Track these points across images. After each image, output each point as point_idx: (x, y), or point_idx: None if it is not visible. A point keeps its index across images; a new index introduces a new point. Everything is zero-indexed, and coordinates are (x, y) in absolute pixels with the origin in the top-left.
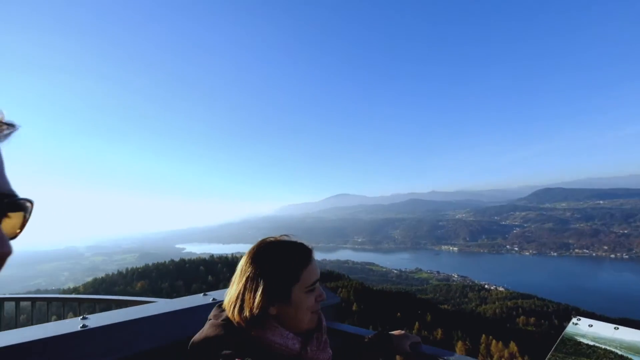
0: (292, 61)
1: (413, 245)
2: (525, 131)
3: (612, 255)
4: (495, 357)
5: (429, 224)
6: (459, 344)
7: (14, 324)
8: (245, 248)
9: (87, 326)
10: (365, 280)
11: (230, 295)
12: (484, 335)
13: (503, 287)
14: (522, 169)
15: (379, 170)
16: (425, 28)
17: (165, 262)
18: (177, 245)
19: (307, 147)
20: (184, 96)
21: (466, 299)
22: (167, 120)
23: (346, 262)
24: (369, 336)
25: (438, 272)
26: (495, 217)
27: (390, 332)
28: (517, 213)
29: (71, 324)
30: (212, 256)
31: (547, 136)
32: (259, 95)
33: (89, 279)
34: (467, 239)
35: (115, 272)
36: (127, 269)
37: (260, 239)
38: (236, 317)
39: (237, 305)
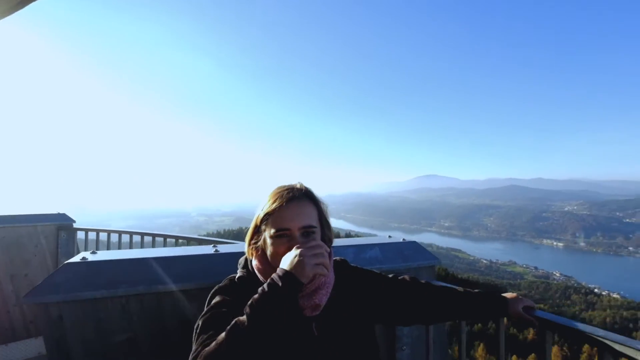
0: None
1: (508, 235)
2: None
3: None
4: None
5: (529, 214)
6: (554, 348)
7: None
8: None
9: (218, 251)
10: (450, 267)
11: None
12: (587, 345)
13: (619, 294)
14: None
15: (474, 152)
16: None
17: None
18: None
19: (396, 124)
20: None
21: (568, 302)
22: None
23: (430, 245)
24: (476, 292)
25: (536, 268)
26: (617, 213)
27: (503, 295)
28: None
29: (207, 249)
30: None
31: None
32: (360, 72)
33: (194, 235)
34: (577, 235)
35: (215, 232)
36: (224, 229)
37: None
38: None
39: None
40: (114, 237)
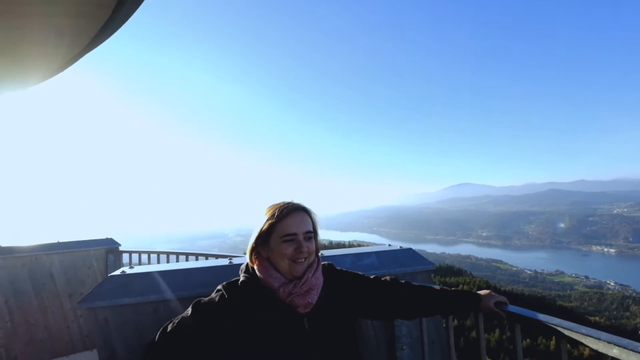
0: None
1: (552, 243)
2: None
3: None
4: None
5: (574, 219)
6: None
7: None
8: (361, 237)
9: (232, 262)
10: (491, 279)
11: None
12: None
13: None
14: None
15: (509, 157)
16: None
17: None
18: None
19: (423, 134)
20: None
21: (627, 313)
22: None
23: (468, 257)
24: (452, 290)
25: (586, 277)
26: None
27: (477, 292)
28: None
29: (223, 261)
30: (330, 242)
31: None
32: (387, 85)
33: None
34: (630, 239)
35: None
36: None
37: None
38: (246, 256)
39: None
40: (154, 258)
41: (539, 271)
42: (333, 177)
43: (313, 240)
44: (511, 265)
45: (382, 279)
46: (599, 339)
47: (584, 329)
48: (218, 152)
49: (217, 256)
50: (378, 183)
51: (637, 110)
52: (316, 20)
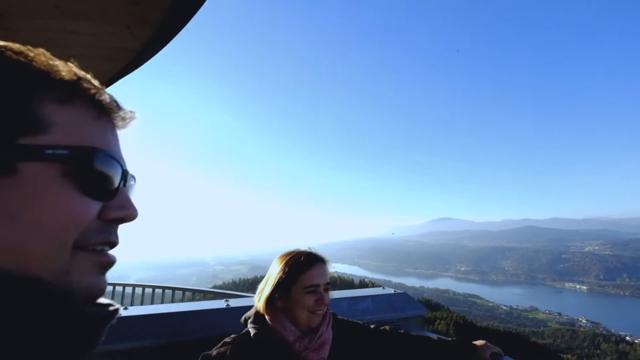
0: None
1: (527, 279)
2: None
3: None
4: None
5: (548, 256)
6: None
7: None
8: (342, 268)
9: (229, 305)
10: (468, 314)
11: (258, 288)
12: None
13: None
14: None
15: (488, 193)
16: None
17: None
18: None
19: (407, 168)
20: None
21: (598, 351)
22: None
23: (446, 291)
24: (448, 340)
25: (559, 314)
26: None
27: (473, 342)
28: None
29: (220, 304)
30: None
31: None
32: (368, 117)
33: (210, 285)
34: (601, 277)
35: (230, 281)
36: (240, 278)
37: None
38: (256, 305)
39: (258, 296)
40: (139, 290)
41: (514, 307)
42: (317, 208)
43: (329, 291)
44: (487, 301)
45: (381, 328)
46: None
47: None
48: (198, 180)
49: (205, 292)
50: (361, 216)
51: (611, 151)
52: (297, 55)
